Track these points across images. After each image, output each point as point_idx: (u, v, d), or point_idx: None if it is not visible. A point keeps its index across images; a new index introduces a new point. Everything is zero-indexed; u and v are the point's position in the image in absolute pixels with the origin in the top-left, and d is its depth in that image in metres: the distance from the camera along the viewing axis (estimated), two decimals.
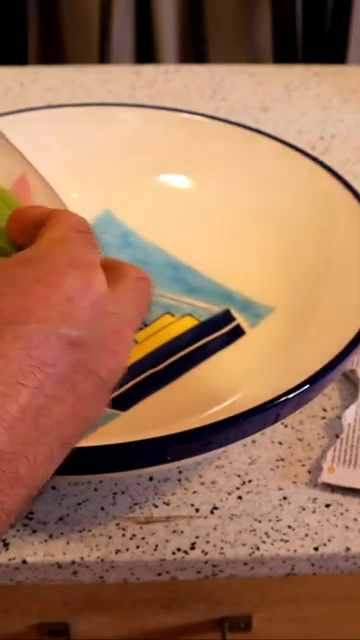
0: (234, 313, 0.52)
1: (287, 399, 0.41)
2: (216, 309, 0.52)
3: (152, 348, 0.50)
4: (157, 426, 0.41)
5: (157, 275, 0.55)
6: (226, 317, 0.52)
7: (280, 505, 0.46)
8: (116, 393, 0.47)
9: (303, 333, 0.49)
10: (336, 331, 0.46)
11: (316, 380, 0.42)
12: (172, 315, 0.52)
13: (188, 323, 0.52)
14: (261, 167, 0.57)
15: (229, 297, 0.53)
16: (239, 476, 0.48)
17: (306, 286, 0.52)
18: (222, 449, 0.42)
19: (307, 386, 0.42)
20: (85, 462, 0.40)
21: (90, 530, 0.45)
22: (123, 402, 0.47)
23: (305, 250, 0.53)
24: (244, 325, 0.51)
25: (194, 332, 0.51)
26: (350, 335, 0.44)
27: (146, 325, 0.52)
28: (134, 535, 0.45)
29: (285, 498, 0.47)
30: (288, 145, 0.57)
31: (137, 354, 0.50)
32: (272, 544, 0.45)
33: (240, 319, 0.52)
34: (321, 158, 0.57)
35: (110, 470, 0.41)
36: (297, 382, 0.42)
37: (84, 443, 0.43)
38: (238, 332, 0.51)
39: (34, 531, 0.45)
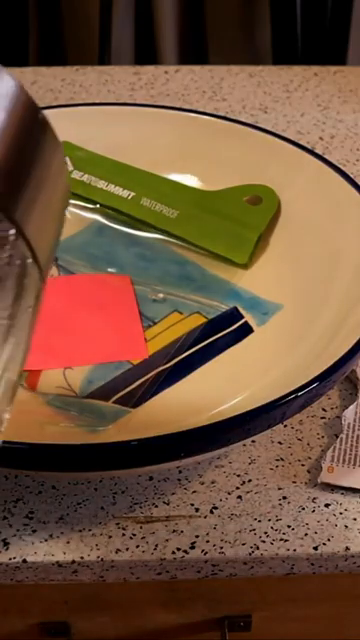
0: (242, 311, 0.52)
1: (296, 397, 0.41)
2: (224, 307, 0.53)
3: (161, 346, 0.50)
4: (166, 424, 0.41)
5: (164, 273, 0.55)
6: (234, 315, 0.52)
7: (280, 505, 0.46)
8: (125, 391, 0.48)
9: (311, 331, 0.49)
10: (344, 329, 0.46)
11: (324, 379, 0.42)
12: (180, 313, 0.52)
13: (196, 321, 0.52)
14: (269, 165, 0.57)
15: (237, 295, 0.53)
16: (239, 476, 0.48)
17: (314, 284, 0.52)
18: (225, 449, 0.42)
19: (316, 384, 0.42)
20: (88, 460, 0.40)
21: (90, 530, 0.45)
22: (132, 400, 0.47)
23: (313, 247, 0.53)
24: (252, 323, 0.52)
25: (202, 330, 0.51)
26: (358, 334, 0.44)
27: (155, 323, 0.52)
28: (134, 535, 0.45)
29: (285, 498, 0.47)
30: (295, 144, 0.57)
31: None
32: (272, 543, 0.45)
33: (248, 317, 0.52)
34: None
35: (110, 468, 0.41)
36: (305, 381, 0.42)
37: (87, 441, 0.43)
38: (246, 330, 0.51)
39: (34, 531, 0.45)
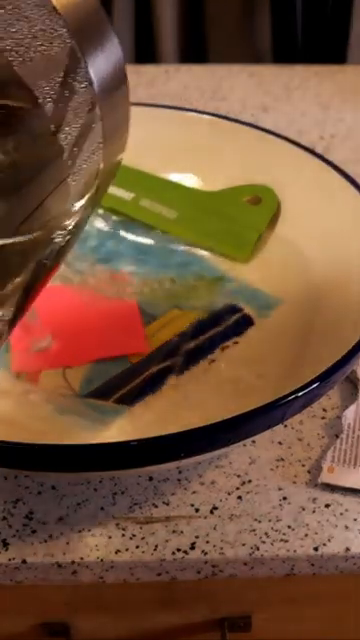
0: (242, 307, 0.52)
1: (296, 397, 0.41)
2: (224, 303, 0.53)
3: (160, 342, 0.50)
4: (166, 423, 0.41)
5: (164, 270, 0.55)
6: (234, 311, 0.52)
7: (280, 505, 0.46)
8: (125, 389, 0.48)
9: (311, 331, 0.49)
10: (344, 329, 0.46)
11: (324, 379, 0.42)
12: (180, 309, 0.52)
13: (196, 317, 0.52)
14: (269, 165, 0.57)
15: (237, 291, 0.53)
16: (239, 476, 0.48)
17: (314, 283, 0.52)
18: (225, 449, 0.42)
19: (316, 384, 0.41)
20: (88, 460, 0.40)
21: (90, 530, 0.45)
22: (132, 398, 0.47)
23: (313, 247, 0.53)
24: (252, 319, 0.52)
25: (202, 326, 0.51)
26: (358, 333, 0.44)
27: (155, 319, 0.52)
28: (134, 535, 0.45)
29: (285, 498, 0.47)
30: (295, 144, 0.57)
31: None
32: (272, 544, 0.45)
33: (248, 313, 0.52)
34: None
35: (110, 468, 0.41)
36: (305, 381, 0.41)
37: (87, 441, 0.43)
38: (246, 326, 0.51)
39: (34, 531, 0.45)
